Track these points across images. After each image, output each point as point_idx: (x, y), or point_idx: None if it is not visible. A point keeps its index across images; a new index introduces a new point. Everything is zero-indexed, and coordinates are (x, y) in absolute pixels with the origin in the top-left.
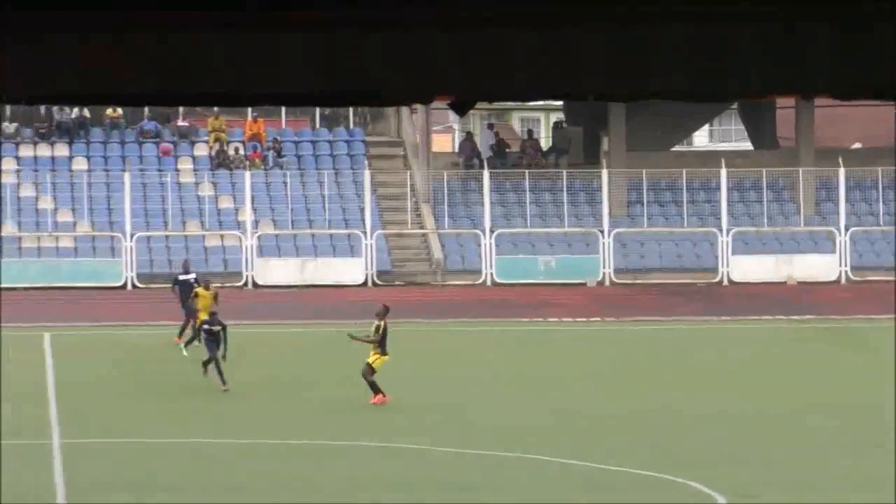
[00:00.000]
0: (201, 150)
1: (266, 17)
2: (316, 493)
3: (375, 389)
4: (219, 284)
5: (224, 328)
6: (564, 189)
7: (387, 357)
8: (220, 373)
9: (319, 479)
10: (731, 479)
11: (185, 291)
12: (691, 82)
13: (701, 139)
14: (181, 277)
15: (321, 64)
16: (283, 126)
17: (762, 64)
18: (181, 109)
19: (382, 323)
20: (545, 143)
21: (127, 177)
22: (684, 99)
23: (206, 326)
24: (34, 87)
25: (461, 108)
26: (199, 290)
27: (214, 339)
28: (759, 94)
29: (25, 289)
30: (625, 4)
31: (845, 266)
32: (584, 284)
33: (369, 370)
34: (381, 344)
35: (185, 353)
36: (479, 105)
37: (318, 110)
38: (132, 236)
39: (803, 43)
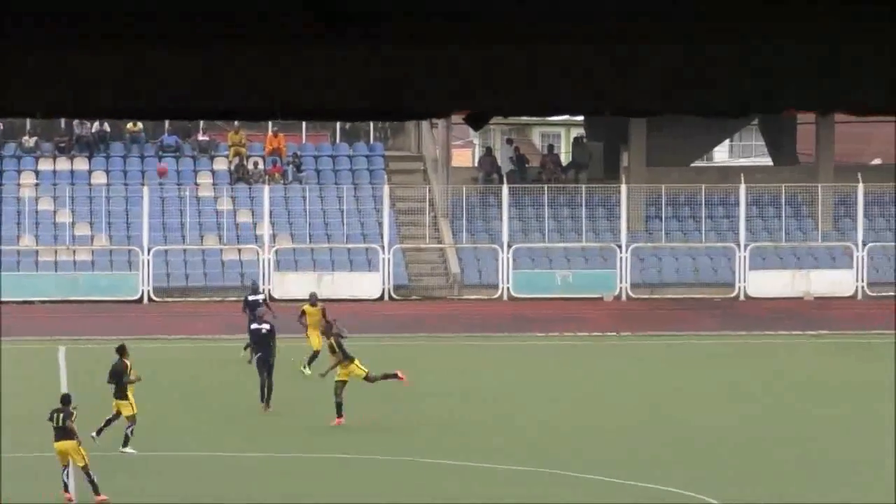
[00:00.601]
0: (221, 165)
1: (287, 32)
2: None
3: (340, 411)
4: (234, 298)
5: (272, 330)
6: (583, 204)
7: (356, 360)
8: (267, 394)
9: (325, 493)
10: (741, 494)
11: (254, 312)
12: (717, 99)
13: (721, 154)
14: (251, 298)
15: (340, 78)
16: (304, 141)
17: (796, 81)
18: (201, 124)
19: (331, 340)
20: (565, 158)
21: (146, 191)
22: (710, 115)
23: (254, 326)
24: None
25: (476, 122)
26: (307, 307)
27: (264, 343)
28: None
29: (42, 302)
30: (656, 20)
31: (862, 282)
32: (601, 299)
33: (341, 387)
34: (345, 356)
35: (307, 371)
36: (500, 120)
37: (338, 125)
38: (149, 250)
39: (848, 60)
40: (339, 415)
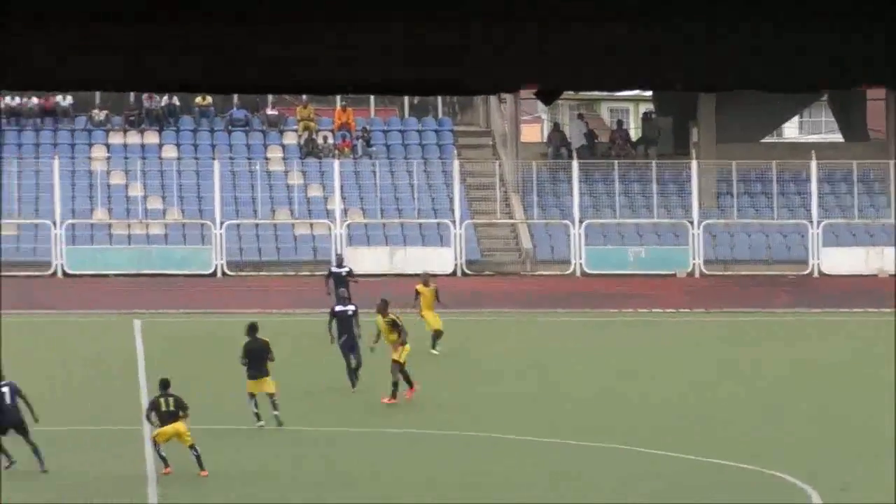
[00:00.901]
0: (290, 139)
1: (354, 5)
2: (377, 481)
3: (403, 384)
4: (307, 273)
5: (356, 311)
6: (654, 180)
7: (407, 346)
8: (355, 370)
9: (397, 467)
10: (823, 474)
11: (338, 284)
12: (778, 73)
13: (791, 131)
14: (334, 270)
15: (409, 52)
16: (372, 115)
17: (842, 57)
18: (270, 98)
19: (391, 316)
20: (634, 133)
21: (216, 165)
22: (771, 90)
23: (338, 308)
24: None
25: (547, 98)
26: (420, 287)
27: (348, 325)
28: (842, 85)
29: (116, 275)
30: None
31: None
32: (674, 275)
33: (397, 367)
34: (401, 335)
35: (435, 351)
36: (568, 95)
37: (406, 100)
38: (222, 224)
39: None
40: (411, 385)
